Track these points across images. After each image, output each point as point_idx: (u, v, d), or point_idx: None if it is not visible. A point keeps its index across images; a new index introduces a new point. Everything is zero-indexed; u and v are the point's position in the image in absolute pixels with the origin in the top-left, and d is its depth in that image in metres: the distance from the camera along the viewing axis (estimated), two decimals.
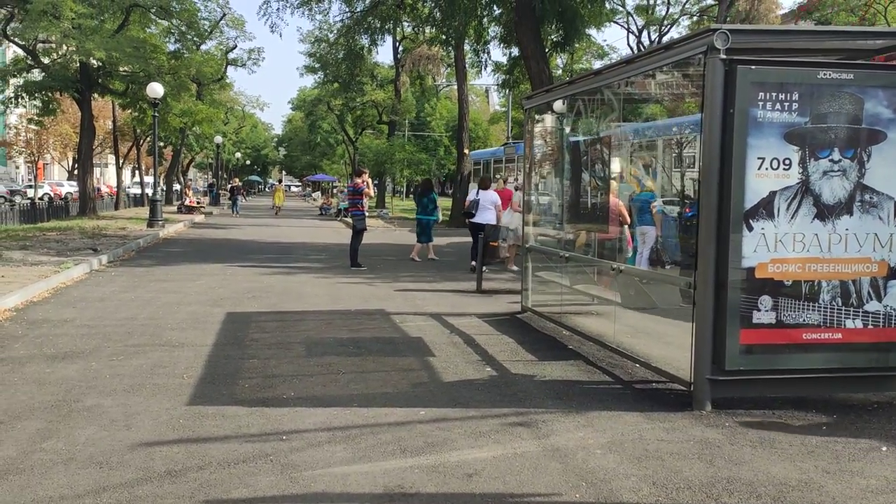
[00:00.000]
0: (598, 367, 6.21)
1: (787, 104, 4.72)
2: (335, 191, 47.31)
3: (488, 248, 10.57)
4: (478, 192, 13.47)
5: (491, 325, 8.09)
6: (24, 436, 4.43)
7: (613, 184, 7.29)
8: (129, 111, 32.24)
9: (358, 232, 13.87)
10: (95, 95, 28.17)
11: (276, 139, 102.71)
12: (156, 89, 22.10)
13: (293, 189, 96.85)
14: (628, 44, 36.84)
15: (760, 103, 4.70)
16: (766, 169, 4.73)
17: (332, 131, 68.76)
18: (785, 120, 4.73)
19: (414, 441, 4.35)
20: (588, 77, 6.90)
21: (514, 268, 12.21)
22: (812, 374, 4.89)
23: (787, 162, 4.75)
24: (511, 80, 22.02)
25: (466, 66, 28.37)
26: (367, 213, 14.41)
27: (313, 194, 72.22)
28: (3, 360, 6.20)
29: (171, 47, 32.05)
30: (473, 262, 12.97)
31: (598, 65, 43.88)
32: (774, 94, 4.70)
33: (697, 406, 4.87)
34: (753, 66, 4.69)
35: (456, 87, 72.30)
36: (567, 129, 7.84)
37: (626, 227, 7.57)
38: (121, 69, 26.77)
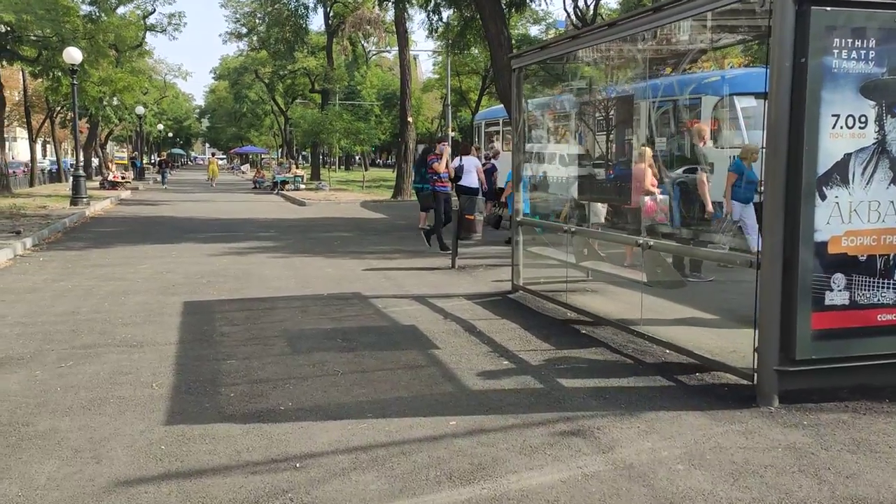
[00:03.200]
0: (625, 354, 5.60)
1: (863, 52, 4.14)
2: (274, 164, 45.60)
3: (463, 222, 9.84)
4: (461, 158, 13.36)
5: (485, 307, 7.39)
6: None
7: (647, 150, 6.64)
8: (42, 80, 29.84)
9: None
10: (4, 63, 25.75)
11: (198, 110, 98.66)
12: (73, 55, 20.25)
13: (219, 162, 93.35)
14: (564, 7, 36.28)
15: (836, 51, 4.10)
16: (841, 128, 4.14)
17: (259, 101, 66.25)
18: (861, 70, 4.15)
19: (457, 463, 3.63)
20: (599, 30, 6.17)
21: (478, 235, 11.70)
22: (885, 359, 4.38)
23: (862, 119, 4.18)
24: (462, 44, 21.14)
25: (408, 30, 27.26)
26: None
27: (242, 167, 69.66)
28: None
29: (86, 9, 29.73)
30: (424, 228, 13.19)
31: (534, 30, 43.28)
32: (851, 41, 4.11)
33: (763, 401, 4.31)
34: (829, 8, 4.07)
35: (387, 54, 70.79)
36: (573, 90, 7.14)
37: (646, 197, 6.93)
38: (31, 33, 24.54)
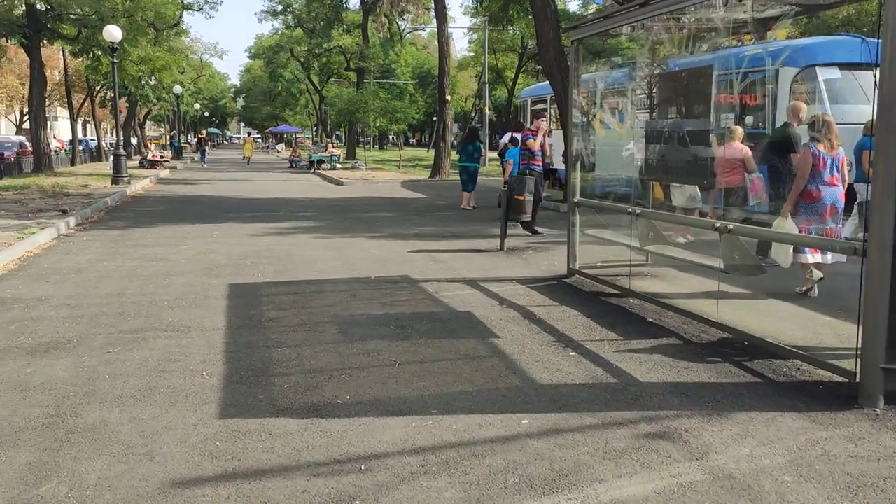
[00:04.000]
0: (700, 346, 5.23)
1: None
2: (309, 143, 45.64)
3: (513, 203, 9.47)
4: (511, 135, 13.74)
5: (541, 292, 7.05)
6: (11, 475, 3.28)
7: (739, 129, 6.21)
8: (82, 59, 30.02)
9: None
10: (44, 41, 25.87)
11: (233, 90, 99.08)
12: (113, 33, 20.16)
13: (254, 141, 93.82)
14: None
15: None
16: None
17: (294, 80, 66.22)
18: None
19: (536, 468, 3.32)
20: None
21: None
22: None
23: None
24: (504, 19, 20.60)
25: (446, 5, 26.70)
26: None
27: (277, 146, 69.83)
28: None
29: None
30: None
31: (572, 5, 42.29)
32: None
33: (867, 402, 3.93)
34: None
35: (421, 32, 69.96)
36: (637, 63, 6.70)
37: (752, 175, 6.48)
38: (71, 12, 24.60)
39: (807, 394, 4.24)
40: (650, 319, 5.97)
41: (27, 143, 35.73)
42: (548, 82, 20.77)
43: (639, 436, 3.65)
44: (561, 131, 15.05)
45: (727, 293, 5.73)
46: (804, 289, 6.23)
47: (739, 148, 6.67)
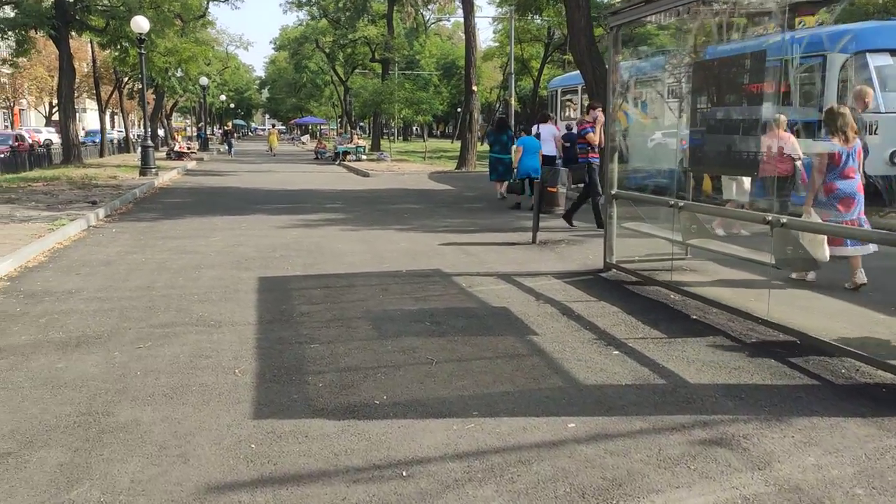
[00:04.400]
0: (750, 345, 5.01)
1: None
2: (334, 134, 45.73)
3: (545, 195, 9.25)
4: (538, 127, 13.41)
5: (578, 287, 6.85)
6: (41, 477, 3.18)
7: (783, 117, 5.96)
8: (109, 51, 30.19)
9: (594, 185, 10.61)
10: (73, 33, 26.04)
11: (258, 81, 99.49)
12: (140, 24, 20.19)
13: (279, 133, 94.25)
14: None
15: None
16: None
17: (318, 72, 66.26)
18: None
19: (587, 477, 3.14)
20: None
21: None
22: None
23: None
24: (533, 7, 20.28)
25: None
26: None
27: (302, 137, 70.00)
28: (1, 352, 4.90)
29: None
30: (514, 197, 13.54)
31: None
32: None
33: None
34: None
35: (446, 23, 69.56)
36: (687, 49, 6.45)
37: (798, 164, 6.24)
38: (99, 3, 24.72)
39: (869, 397, 4.01)
40: (694, 316, 5.75)
41: (26, 136, 36.07)
42: (578, 72, 20.48)
43: (694, 442, 3.46)
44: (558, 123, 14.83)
45: (776, 289, 5.49)
46: (854, 284, 5.99)
47: (785, 137, 6.41)
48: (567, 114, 20.08)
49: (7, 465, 3.30)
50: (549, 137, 13.62)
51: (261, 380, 4.38)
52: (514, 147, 13.65)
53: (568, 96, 20.14)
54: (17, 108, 55.43)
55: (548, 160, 13.48)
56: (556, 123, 14.21)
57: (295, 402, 4.02)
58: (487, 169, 15.88)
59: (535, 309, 6.03)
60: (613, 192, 7.27)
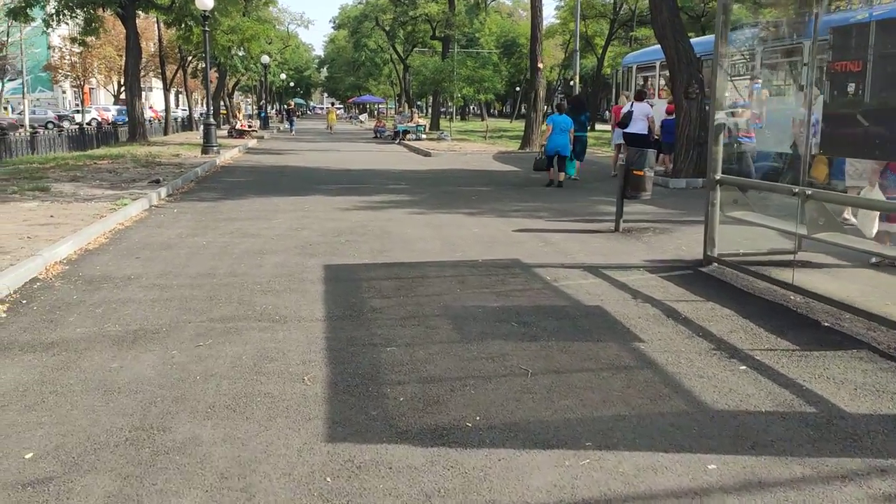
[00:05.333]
0: None
1: None
2: (393, 113, 45.43)
3: (631, 178, 8.48)
4: (632, 105, 13.02)
5: (677, 284, 6.12)
6: None
7: None
8: (175, 29, 30.27)
9: None
10: (139, 11, 26.09)
11: (317, 60, 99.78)
12: (205, 2, 19.92)
13: (337, 112, 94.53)
14: None
15: None
16: None
17: (378, 50, 65.82)
18: None
19: None
20: None
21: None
22: None
23: None
24: None
25: None
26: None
27: (360, 116, 69.81)
28: (54, 347, 4.49)
29: None
30: (550, 171, 13.44)
31: None
32: None
33: None
34: None
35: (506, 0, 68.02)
36: (807, 15, 5.61)
37: None
38: None
39: None
40: (826, 323, 4.97)
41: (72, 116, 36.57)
42: (655, 47, 19.37)
43: (876, 497, 2.76)
44: (661, 100, 13.90)
45: None
46: None
47: None
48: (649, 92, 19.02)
49: (48, 493, 2.83)
50: (640, 116, 13.07)
51: (333, 390, 3.84)
52: (544, 125, 14.00)
53: (644, 73, 19.05)
54: (87, 87, 56.76)
55: (638, 140, 12.78)
56: (641, 101, 13.40)
57: (374, 422, 3.46)
58: None
59: (635, 309, 5.34)
60: (718, 176, 6.48)
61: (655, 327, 4.91)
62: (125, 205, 9.74)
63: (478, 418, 3.49)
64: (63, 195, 10.80)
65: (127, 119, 27.84)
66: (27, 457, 3.10)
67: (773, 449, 3.16)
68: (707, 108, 13.74)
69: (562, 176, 13.60)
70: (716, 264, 6.62)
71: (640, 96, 13.62)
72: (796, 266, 5.64)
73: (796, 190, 5.34)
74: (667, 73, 17.82)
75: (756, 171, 7.00)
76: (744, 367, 4.15)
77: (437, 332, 4.84)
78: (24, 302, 5.48)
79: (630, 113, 13.09)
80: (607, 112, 65.98)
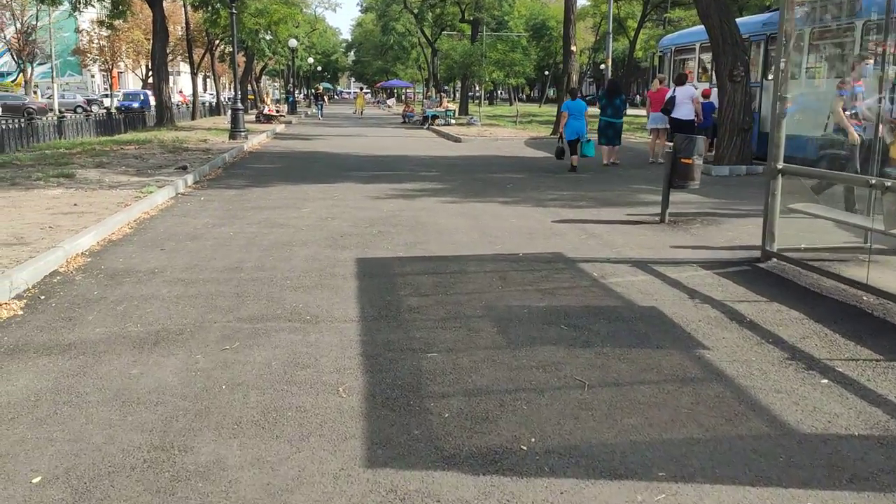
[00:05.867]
0: None
1: None
2: (420, 97, 45.01)
3: (678, 167, 8.00)
4: (674, 89, 12.61)
5: (736, 281, 5.67)
6: None
7: None
8: (202, 12, 30.09)
9: None
10: None
11: (344, 44, 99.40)
12: None
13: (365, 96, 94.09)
14: None
15: None
16: None
17: (406, 33, 65.22)
18: None
19: None
20: None
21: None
22: None
23: None
24: None
25: None
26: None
27: (388, 101, 69.33)
28: (71, 349, 4.20)
29: None
30: (574, 158, 13.49)
31: None
32: None
33: None
34: None
35: None
36: None
37: None
38: None
39: None
40: None
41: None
42: (694, 28, 18.69)
43: None
44: (703, 85, 13.33)
45: None
46: None
47: None
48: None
49: None
50: (685, 100, 12.62)
51: (371, 404, 3.49)
52: (561, 112, 14.30)
53: (683, 56, 18.35)
54: (115, 71, 57.04)
55: (684, 126, 12.30)
56: (683, 85, 12.88)
57: (417, 443, 3.10)
58: (590, 136, 14.85)
59: (693, 311, 4.92)
60: (780, 165, 6.00)
61: (719, 332, 4.48)
62: (151, 192, 9.49)
63: (533, 440, 3.12)
64: (88, 182, 10.58)
65: (136, 105, 27.80)
66: (34, 481, 2.79)
67: (877, 484, 2.74)
68: (752, 91, 13.14)
69: (575, 160, 13.49)
70: (775, 260, 6.15)
71: (682, 80, 13.12)
72: (870, 264, 5.16)
73: (873, 181, 4.85)
74: (707, 55, 17.21)
75: (824, 160, 6.50)
76: (825, 381, 3.72)
77: (480, 335, 4.46)
78: (43, 298, 5.21)
79: (673, 98, 12.70)
80: (637, 96, 64.86)
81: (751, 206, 9.42)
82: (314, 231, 7.75)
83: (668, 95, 12.96)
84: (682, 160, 8.05)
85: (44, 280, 5.67)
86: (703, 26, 16.32)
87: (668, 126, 15.02)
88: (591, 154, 13.84)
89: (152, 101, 32.45)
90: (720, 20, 12.71)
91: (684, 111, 12.60)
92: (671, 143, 9.31)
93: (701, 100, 13.30)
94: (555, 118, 24.87)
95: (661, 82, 15.09)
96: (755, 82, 14.12)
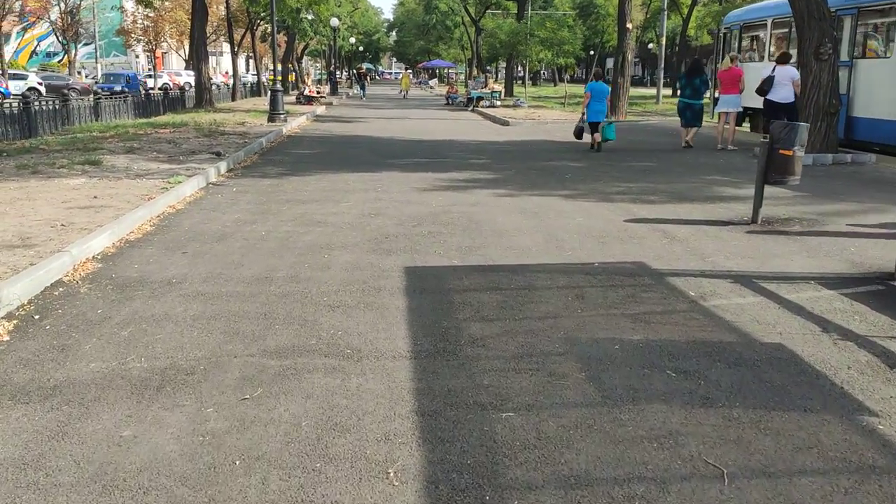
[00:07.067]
0: None
1: None
2: (463, 78, 43.99)
3: (776, 159, 6.87)
4: (774, 69, 11.48)
5: (875, 307, 4.59)
6: None
7: None
8: None
9: None
10: None
11: (386, 24, 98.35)
12: None
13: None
14: None
15: None
16: None
17: (449, 12, 63.89)
18: None
19: None
20: None
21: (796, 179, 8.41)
22: None
23: None
24: None
25: None
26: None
27: (430, 82, 68.12)
28: (55, 395, 3.36)
29: None
30: (591, 138, 13.43)
31: None
32: None
33: None
34: None
35: None
36: None
37: None
38: None
39: None
40: None
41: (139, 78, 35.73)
42: (763, 3, 17.22)
43: None
44: (774, 64, 12.00)
45: None
46: None
47: None
48: (749, 56, 16.91)
49: None
50: (785, 81, 11.61)
51: (433, 499, 2.55)
52: (584, 93, 13.92)
53: (753, 32, 16.91)
54: (158, 52, 57.01)
55: (782, 109, 11.13)
56: (785, 64, 11.68)
57: None
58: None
59: (835, 352, 3.87)
60: None
61: (880, 386, 3.44)
62: (179, 182, 8.69)
63: None
64: (114, 170, 9.85)
65: (119, 87, 26.73)
66: None
67: None
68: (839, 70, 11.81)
69: (597, 137, 13.41)
70: None
71: (786, 58, 11.77)
72: None
73: None
74: (780, 31, 15.79)
75: None
76: None
77: (565, 384, 3.49)
78: (38, 318, 4.40)
79: (771, 78, 11.52)
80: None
81: (852, 204, 8.24)
82: (355, 231, 6.84)
83: (766, 75, 11.73)
84: (781, 151, 6.91)
85: (44, 293, 4.87)
86: (772, 1, 14.92)
87: (739, 109, 13.78)
88: (613, 137, 13.65)
89: (219, 80, 31.55)
90: None
91: (783, 93, 11.41)
92: (763, 132, 8.20)
93: (799, 80, 11.97)
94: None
95: (732, 61, 13.77)
96: (844, 60, 12.75)
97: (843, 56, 12.91)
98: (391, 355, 3.86)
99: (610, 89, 14.00)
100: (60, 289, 4.98)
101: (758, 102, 14.36)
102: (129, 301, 4.74)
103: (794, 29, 15.41)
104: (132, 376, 3.59)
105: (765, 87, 11.50)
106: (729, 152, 13.26)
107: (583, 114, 13.86)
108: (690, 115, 13.83)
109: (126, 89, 32.75)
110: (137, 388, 3.45)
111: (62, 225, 6.42)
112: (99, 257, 5.79)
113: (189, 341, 4.06)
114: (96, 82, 40.29)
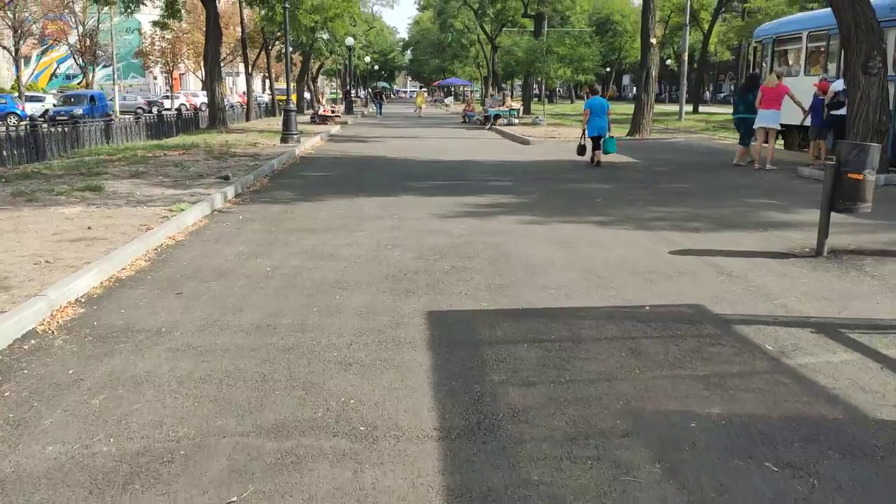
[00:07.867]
0: None
1: None
2: (478, 96, 43.52)
3: (845, 183, 6.11)
4: (842, 82, 10.68)
5: None
6: None
7: None
8: (257, 9, 29.08)
9: None
10: None
11: (401, 43, 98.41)
12: None
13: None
14: None
15: None
16: None
17: (465, 30, 63.62)
18: None
19: None
20: None
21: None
22: None
23: None
24: None
25: None
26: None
27: (446, 100, 67.69)
28: None
29: None
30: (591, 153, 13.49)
31: None
32: None
33: None
34: None
35: None
36: None
37: None
38: None
39: None
40: None
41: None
42: (795, 16, 16.49)
43: None
44: (812, 79, 11.26)
45: None
46: None
47: None
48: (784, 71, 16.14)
49: None
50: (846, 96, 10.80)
51: None
52: (584, 109, 13.83)
53: (787, 46, 16.16)
54: (176, 73, 57.07)
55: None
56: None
57: None
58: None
59: None
60: None
61: None
62: (181, 210, 8.05)
63: None
64: (115, 196, 9.23)
65: (79, 110, 25.72)
66: None
67: None
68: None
69: (599, 154, 13.51)
70: None
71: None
72: None
73: None
74: (815, 44, 15.06)
75: None
76: None
77: (636, 481, 2.75)
78: None
79: (842, 92, 11.05)
80: (706, 93, 61.58)
81: None
82: (371, 265, 6.14)
83: (836, 89, 11.05)
84: (850, 175, 6.14)
85: (11, 347, 4.20)
86: (806, 13, 14.22)
87: (778, 126, 13.01)
88: (614, 150, 13.71)
89: (235, 100, 30.32)
90: (853, 2, 10.63)
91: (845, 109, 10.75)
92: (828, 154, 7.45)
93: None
94: (631, 115, 22.86)
95: (779, 77, 13.00)
96: (892, 75, 11.96)
97: (890, 70, 12.12)
98: (414, 434, 3.14)
99: (610, 105, 13.83)
100: (32, 341, 4.31)
101: (794, 119, 13.62)
102: (107, 357, 4.05)
103: (831, 42, 14.72)
104: (94, 466, 2.89)
105: (837, 100, 10.83)
106: (768, 171, 12.48)
107: (584, 130, 13.85)
108: (744, 130, 13.34)
109: (87, 113, 25.95)
110: (98, 486, 2.75)
111: (46, 262, 5.77)
112: (83, 300, 5.12)
113: (171, 413, 3.36)
114: (50, 107, 32.24)
